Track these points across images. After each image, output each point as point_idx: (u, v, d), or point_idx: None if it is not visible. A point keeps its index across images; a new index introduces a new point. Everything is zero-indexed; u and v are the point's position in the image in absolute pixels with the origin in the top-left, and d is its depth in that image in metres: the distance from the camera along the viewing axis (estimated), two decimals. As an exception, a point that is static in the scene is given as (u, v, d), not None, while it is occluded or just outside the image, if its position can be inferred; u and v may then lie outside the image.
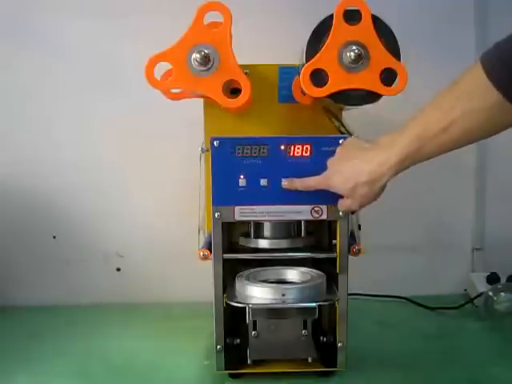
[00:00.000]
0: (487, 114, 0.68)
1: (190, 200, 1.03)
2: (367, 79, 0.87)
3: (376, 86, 0.87)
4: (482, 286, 1.26)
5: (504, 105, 0.66)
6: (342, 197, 0.85)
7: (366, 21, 0.86)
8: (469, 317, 1.23)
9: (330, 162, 0.85)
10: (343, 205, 0.85)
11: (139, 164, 1.34)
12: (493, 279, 1.27)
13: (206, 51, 0.87)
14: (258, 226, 0.96)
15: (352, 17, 0.86)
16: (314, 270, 0.94)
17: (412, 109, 0.77)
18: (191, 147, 1.04)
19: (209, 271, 0.90)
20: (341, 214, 0.88)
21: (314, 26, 0.89)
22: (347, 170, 0.81)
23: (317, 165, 0.85)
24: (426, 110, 0.74)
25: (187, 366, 0.99)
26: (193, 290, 1.23)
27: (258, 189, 0.87)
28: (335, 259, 0.90)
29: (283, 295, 0.87)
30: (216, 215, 0.88)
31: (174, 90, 1.03)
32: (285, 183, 0.87)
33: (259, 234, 0.96)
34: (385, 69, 0.87)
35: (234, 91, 0.91)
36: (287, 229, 0.95)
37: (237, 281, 0.91)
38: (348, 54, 0.86)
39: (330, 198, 0.86)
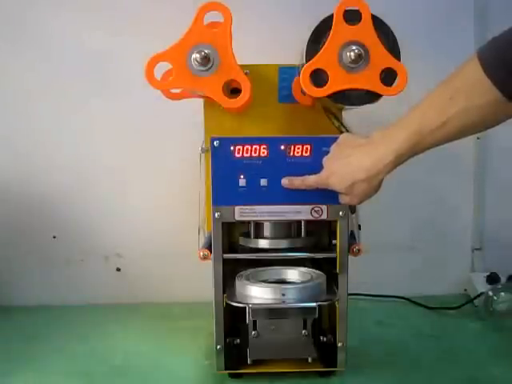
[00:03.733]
0: (485, 111, 0.68)
1: (190, 200, 1.03)
2: (367, 79, 0.87)
3: (376, 86, 0.87)
4: (482, 286, 1.26)
5: (502, 101, 0.66)
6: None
7: (366, 21, 0.86)
8: (469, 317, 1.23)
9: (326, 160, 0.85)
10: (343, 200, 0.85)
11: (139, 164, 1.34)
12: (493, 279, 1.27)
13: (206, 51, 0.86)
14: (258, 225, 0.96)
15: (352, 17, 0.86)
16: (314, 270, 0.94)
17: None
18: (191, 147, 1.04)
19: (209, 271, 0.90)
20: (341, 213, 0.88)
21: (314, 26, 0.89)
22: (342, 170, 0.81)
23: (317, 165, 0.85)
24: (423, 105, 0.74)
25: (187, 366, 0.99)
26: (193, 290, 1.23)
27: (258, 189, 0.87)
28: (335, 259, 0.90)
29: (283, 295, 0.87)
30: (216, 215, 0.88)
31: (174, 90, 1.03)
32: (285, 182, 0.87)
33: (259, 234, 0.96)
34: (385, 69, 0.87)
35: (234, 91, 0.91)
36: (287, 229, 0.95)
37: (237, 281, 0.91)
38: (348, 53, 0.86)
39: (330, 197, 0.86)
